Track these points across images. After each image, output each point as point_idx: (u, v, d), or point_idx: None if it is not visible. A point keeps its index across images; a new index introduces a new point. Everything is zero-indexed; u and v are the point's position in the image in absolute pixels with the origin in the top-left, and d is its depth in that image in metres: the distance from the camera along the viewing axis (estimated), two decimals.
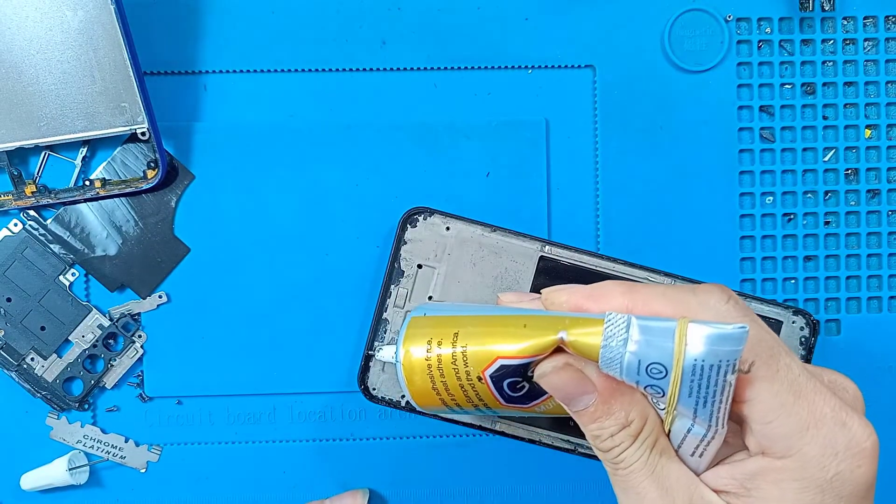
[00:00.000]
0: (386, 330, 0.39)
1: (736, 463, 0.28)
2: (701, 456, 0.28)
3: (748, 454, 0.28)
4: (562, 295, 0.30)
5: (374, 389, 0.39)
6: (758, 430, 0.27)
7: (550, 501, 0.41)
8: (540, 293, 0.31)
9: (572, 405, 0.29)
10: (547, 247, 0.38)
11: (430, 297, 0.39)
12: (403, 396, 0.39)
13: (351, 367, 0.40)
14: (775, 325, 0.38)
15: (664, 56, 0.41)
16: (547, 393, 0.30)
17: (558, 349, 0.28)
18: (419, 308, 0.33)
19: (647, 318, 0.26)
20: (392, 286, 0.38)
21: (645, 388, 0.27)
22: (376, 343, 0.38)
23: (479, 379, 0.30)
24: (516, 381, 0.30)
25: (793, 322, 0.38)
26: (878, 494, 0.42)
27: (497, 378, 0.30)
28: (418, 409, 0.33)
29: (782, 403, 0.27)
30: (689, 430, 0.28)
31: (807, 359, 0.38)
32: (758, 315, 0.30)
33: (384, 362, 0.38)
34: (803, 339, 0.38)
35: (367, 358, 0.39)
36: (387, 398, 0.39)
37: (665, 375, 0.26)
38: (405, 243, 0.38)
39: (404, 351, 0.31)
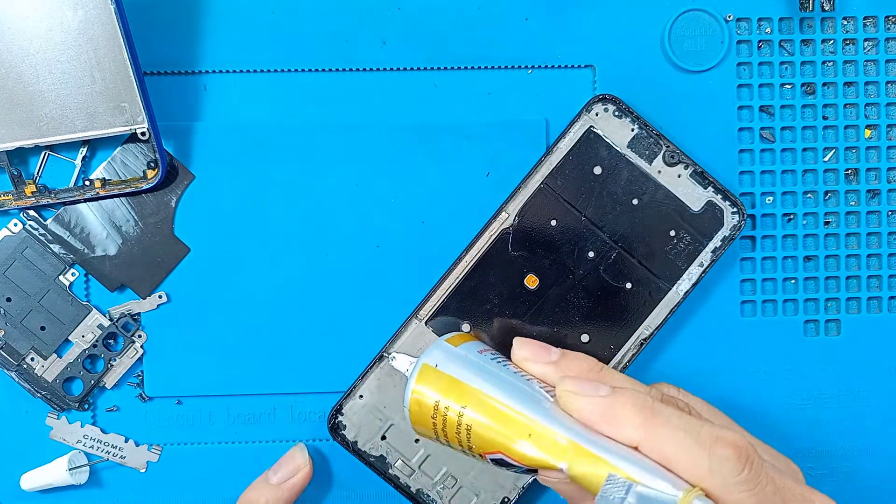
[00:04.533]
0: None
1: None
2: None
3: None
4: (573, 386, 0.31)
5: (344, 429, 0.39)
6: None
7: (550, 502, 0.41)
8: (556, 352, 0.34)
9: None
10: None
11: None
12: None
13: (351, 367, 0.40)
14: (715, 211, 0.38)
15: (664, 56, 0.41)
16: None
17: None
18: (432, 352, 0.34)
19: (647, 487, 0.27)
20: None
21: None
22: (391, 349, 0.38)
23: (481, 456, 0.32)
24: (512, 465, 0.31)
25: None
26: (878, 495, 0.42)
27: (495, 460, 0.32)
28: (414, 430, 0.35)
29: None
30: None
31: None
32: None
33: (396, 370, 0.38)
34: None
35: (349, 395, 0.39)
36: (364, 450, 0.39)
37: None
38: None
39: (412, 400, 0.33)
